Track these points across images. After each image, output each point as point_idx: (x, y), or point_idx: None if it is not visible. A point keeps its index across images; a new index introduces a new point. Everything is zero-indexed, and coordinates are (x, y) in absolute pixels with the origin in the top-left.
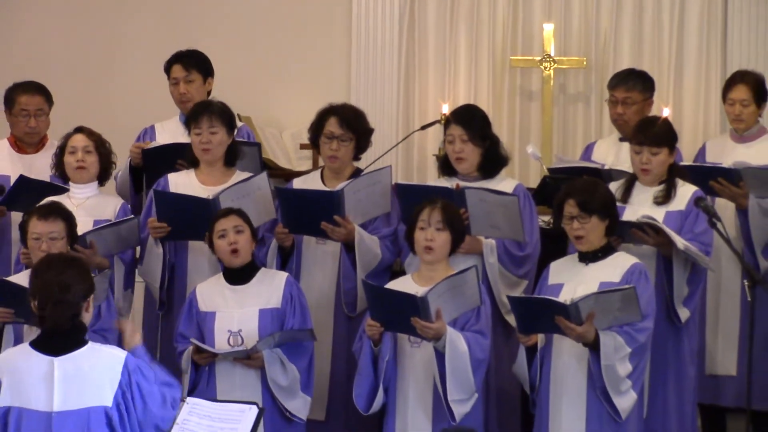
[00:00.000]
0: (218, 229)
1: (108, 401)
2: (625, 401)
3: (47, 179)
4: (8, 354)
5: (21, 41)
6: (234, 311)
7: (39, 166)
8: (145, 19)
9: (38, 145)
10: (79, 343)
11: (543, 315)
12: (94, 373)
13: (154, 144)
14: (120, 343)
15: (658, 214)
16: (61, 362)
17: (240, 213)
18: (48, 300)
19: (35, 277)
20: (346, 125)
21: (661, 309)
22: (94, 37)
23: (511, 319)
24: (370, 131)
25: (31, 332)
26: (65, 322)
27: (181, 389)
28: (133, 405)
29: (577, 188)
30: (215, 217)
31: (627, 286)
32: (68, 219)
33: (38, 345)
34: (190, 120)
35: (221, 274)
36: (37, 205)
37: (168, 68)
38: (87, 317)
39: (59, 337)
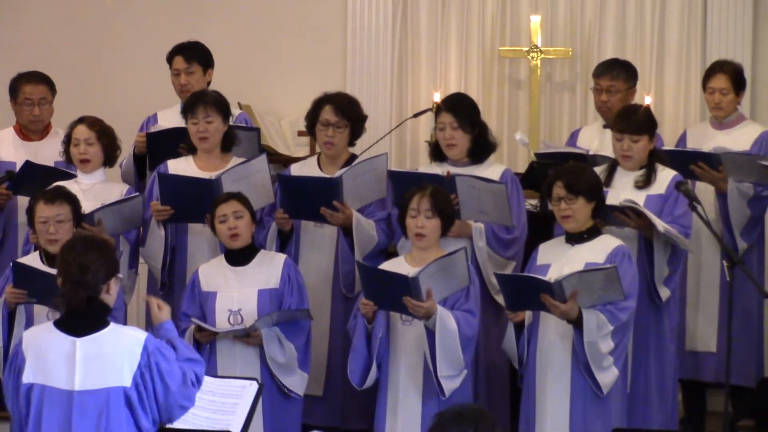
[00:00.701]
0: (219, 213)
1: (127, 382)
2: (606, 377)
3: (51, 165)
4: (33, 332)
5: (26, 31)
6: (234, 291)
7: (43, 153)
8: (149, 10)
9: (42, 132)
10: (101, 324)
11: (529, 293)
12: (115, 354)
13: (158, 127)
14: (125, 321)
15: (639, 198)
16: (83, 343)
17: (240, 198)
18: (67, 279)
19: (60, 257)
20: (341, 113)
21: (642, 288)
22: (98, 26)
23: (500, 299)
24: (364, 118)
25: (43, 312)
26: (80, 303)
27: (204, 365)
28: (152, 385)
29: (565, 171)
30: (216, 201)
31: (609, 266)
32: (73, 202)
33: (61, 325)
34: (187, 110)
35: (223, 255)
36: (44, 190)
37: (170, 59)
38: (109, 299)
39: (81, 318)
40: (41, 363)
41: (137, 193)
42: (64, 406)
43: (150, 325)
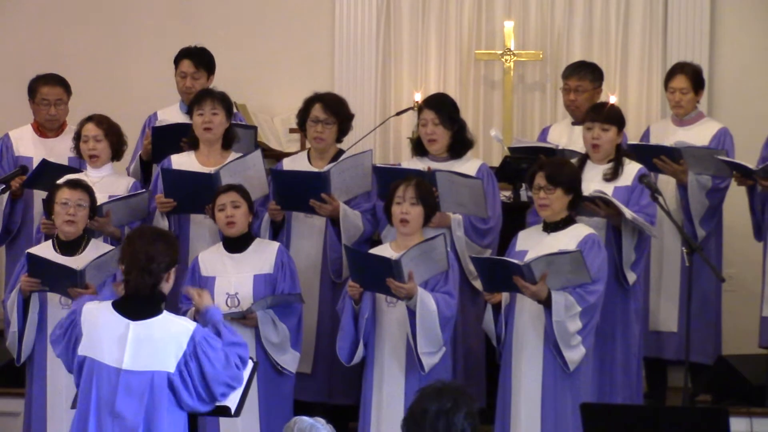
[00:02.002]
0: (218, 203)
1: (171, 368)
2: (574, 354)
3: (66, 161)
4: (91, 308)
5: (45, 37)
6: (232, 276)
7: (59, 149)
8: (154, 17)
9: (58, 130)
10: (156, 311)
11: (502, 275)
12: (163, 341)
13: (163, 121)
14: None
15: (608, 190)
16: (135, 326)
17: (239, 189)
18: (134, 266)
19: (127, 244)
20: (329, 110)
21: (611, 273)
22: (109, 33)
23: (477, 284)
24: (351, 116)
25: (55, 298)
26: (145, 289)
27: (247, 347)
28: (199, 371)
29: (548, 163)
30: (217, 192)
31: (574, 250)
32: (91, 193)
33: (119, 307)
34: (194, 103)
35: (221, 243)
36: (67, 178)
37: (177, 61)
38: (167, 287)
39: (139, 303)
40: (96, 339)
41: (143, 189)
42: (111, 381)
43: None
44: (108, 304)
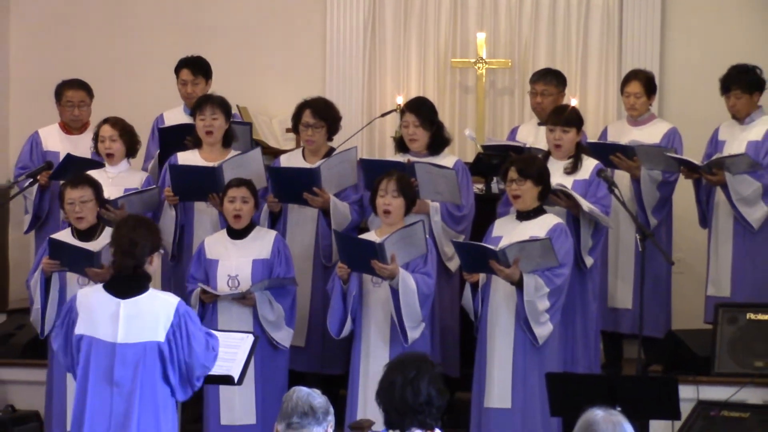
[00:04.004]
0: (230, 195)
1: (161, 337)
2: (542, 330)
3: (89, 155)
4: (85, 292)
5: (66, 46)
6: (233, 260)
7: (83, 145)
8: (163, 31)
9: (82, 128)
10: (142, 289)
11: (480, 258)
12: (152, 314)
13: (170, 120)
14: None
15: (568, 182)
16: (126, 304)
17: (249, 185)
18: (119, 250)
19: (115, 230)
20: (318, 115)
21: None
22: (122, 43)
23: (452, 266)
24: (339, 118)
25: (73, 278)
26: (127, 269)
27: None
28: (181, 343)
29: (519, 158)
30: (230, 183)
31: (544, 237)
32: (95, 186)
33: (109, 288)
34: (196, 108)
35: (225, 229)
36: (70, 178)
37: (178, 70)
38: (150, 269)
39: (126, 283)
40: (90, 318)
41: (155, 186)
42: (108, 355)
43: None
44: (99, 286)
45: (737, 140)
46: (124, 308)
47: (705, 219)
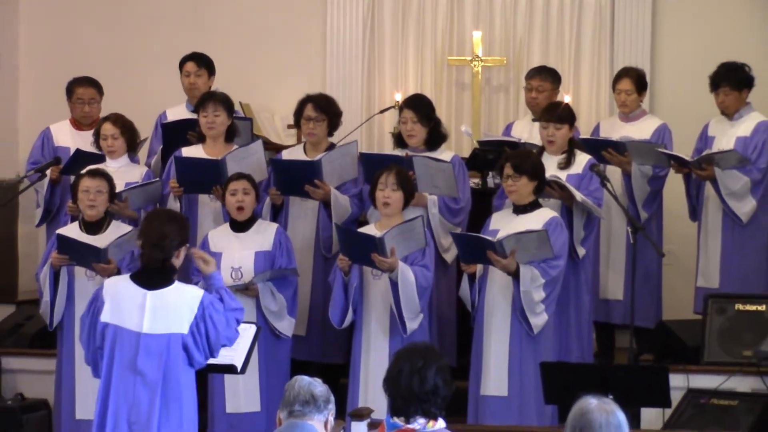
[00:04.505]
0: (231, 188)
1: (185, 330)
2: (538, 320)
3: (98, 151)
4: (112, 281)
5: (74, 45)
6: (236, 252)
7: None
8: (169, 30)
9: (92, 124)
10: (169, 282)
11: (478, 249)
12: (177, 307)
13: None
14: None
15: (561, 177)
16: (152, 295)
17: (249, 178)
18: (148, 242)
19: (146, 223)
20: (319, 109)
21: None
22: (127, 41)
23: (448, 257)
24: (340, 113)
25: (81, 271)
26: (156, 262)
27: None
28: (206, 332)
29: (514, 155)
30: (231, 177)
31: (540, 229)
32: (110, 180)
33: (136, 279)
34: (199, 105)
35: (228, 223)
36: (89, 168)
37: (182, 63)
38: (177, 263)
39: (153, 275)
40: (117, 307)
41: (157, 179)
42: (133, 344)
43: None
44: (126, 277)
45: (726, 136)
46: (151, 299)
47: (695, 212)
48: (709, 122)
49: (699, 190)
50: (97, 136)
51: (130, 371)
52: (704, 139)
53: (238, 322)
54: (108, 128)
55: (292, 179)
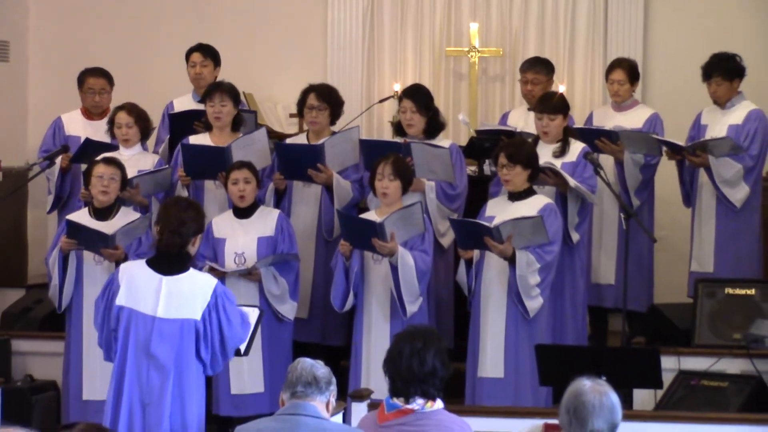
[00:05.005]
0: (232, 177)
1: (197, 316)
2: (533, 303)
3: (108, 140)
4: (128, 266)
5: (85, 36)
6: (239, 238)
7: (103, 130)
8: (175, 21)
9: (102, 114)
10: (183, 268)
11: (475, 235)
12: (191, 293)
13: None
14: None
15: (556, 164)
16: (167, 281)
17: (251, 167)
18: (167, 228)
19: (164, 210)
20: (322, 98)
21: None
22: (136, 34)
23: (444, 242)
24: (342, 102)
25: (90, 256)
26: (174, 247)
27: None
28: (218, 323)
29: (508, 144)
30: (232, 166)
31: (536, 215)
32: (123, 169)
33: (152, 264)
34: (206, 96)
35: (231, 210)
36: (103, 156)
37: (189, 54)
38: (192, 250)
39: (169, 261)
40: (133, 291)
41: (167, 166)
42: (147, 328)
43: None
44: (142, 262)
45: (719, 124)
46: (166, 285)
47: (688, 198)
48: (702, 111)
49: (693, 177)
50: (111, 124)
51: (144, 354)
52: (697, 127)
53: (249, 324)
54: (122, 117)
55: (296, 163)
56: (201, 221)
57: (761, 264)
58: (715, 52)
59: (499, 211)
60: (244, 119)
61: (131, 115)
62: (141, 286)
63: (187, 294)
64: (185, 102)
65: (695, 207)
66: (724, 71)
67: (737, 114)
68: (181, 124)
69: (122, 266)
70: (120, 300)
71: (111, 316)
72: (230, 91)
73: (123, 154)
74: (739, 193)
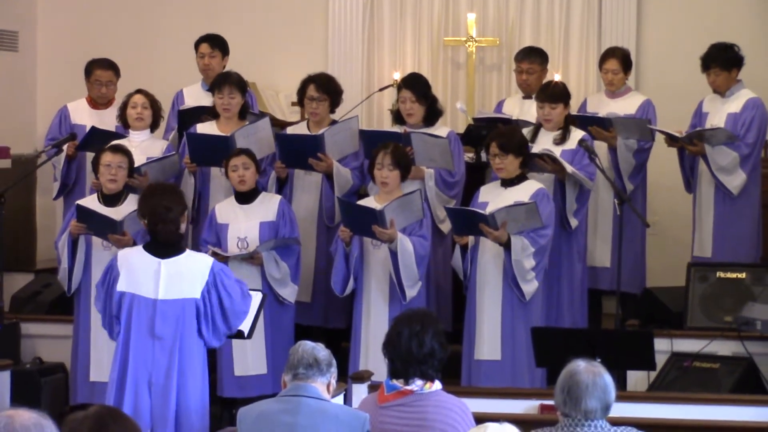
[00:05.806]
0: (232, 164)
1: (197, 294)
2: (529, 287)
3: (114, 128)
4: (126, 252)
5: (92, 26)
6: (242, 223)
7: (108, 119)
8: (181, 12)
9: (107, 104)
10: (179, 250)
11: (471, 222)
12: (190, 273)
13: (188, 100)
14: None
15: (556, 152)
16: (166, 263)
17: (248, 153)
18: (157, 219)
19: (144, 202)
20: (321, 89)
21: (557, 219)
22: (141, 22)
23: (444, 228)
24: (341, 91)
25: (98, 241)
26: (173, 236)
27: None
28: (219, 300)
29: (499, 134)
30: (231, 154)
31: (529, 201)
32: (130, 156)
33: (150, 249)
34: (215, 87)
35: (233, 196)
36: (111, 144)
37: (197, 45)
38: (183, 228)
39: (165, 245)
40: (132, 276)
41: (174, 152)
42: (150, 311)
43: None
44: (140, 247)
45: (719, 113)
46: (165, 267)
47: (689, 185)
48: (703, 99)
49: (694, 165)
50: (122, 110)
51: (149, 336)
52: (699, 115)
53: (250, 297)
54: (139, 98)
55: (297, 153)
56: (182, 199)
57: (759, 249)
58: (714, 43)
59: (492, 196)
60: (250, 106)
61: (147, 98)
62: (140, 271)
63: (186, 274)
64: (194, 91)
65: (696, 193)
66: (722, 61)
67: (736, 102)
68: (190, 118)
69: (120, 253)
70: (121, 286)
71: (112, 302)
72: (238, 83)
73: (132, 140)
74: (735, 180)
